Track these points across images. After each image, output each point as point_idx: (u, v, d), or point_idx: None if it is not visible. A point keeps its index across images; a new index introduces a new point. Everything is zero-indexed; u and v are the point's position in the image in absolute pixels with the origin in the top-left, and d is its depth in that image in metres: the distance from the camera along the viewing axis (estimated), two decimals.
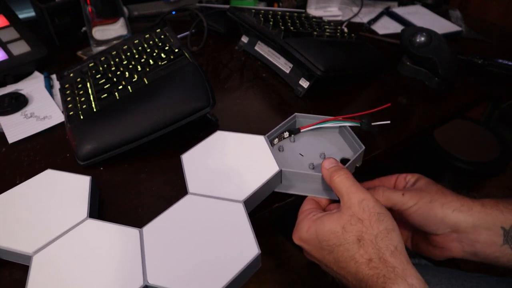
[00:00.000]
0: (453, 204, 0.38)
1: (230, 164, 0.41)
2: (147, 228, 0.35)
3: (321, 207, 0.40)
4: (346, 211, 0.34)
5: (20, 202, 0.38)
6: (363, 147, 0.42)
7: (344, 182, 0.35)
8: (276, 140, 0.45)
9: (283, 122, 0.45)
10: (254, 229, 0.35)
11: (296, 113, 0.47)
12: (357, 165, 0.43)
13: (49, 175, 0.41)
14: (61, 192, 0.39)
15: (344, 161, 0.43)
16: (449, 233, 0.38)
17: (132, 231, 0.35)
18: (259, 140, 0.43)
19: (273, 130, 0.44)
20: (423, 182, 0.42)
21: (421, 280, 0.31)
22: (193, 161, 0.42)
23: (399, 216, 0.43)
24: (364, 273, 0.31)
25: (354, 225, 0.33)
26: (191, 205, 0.37)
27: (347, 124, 0.44)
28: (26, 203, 0.38)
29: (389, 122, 0.46)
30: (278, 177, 0.40)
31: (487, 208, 0.38)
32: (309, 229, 0.36)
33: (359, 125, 0.44)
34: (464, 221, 0.37)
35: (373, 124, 0.45)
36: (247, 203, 0.37)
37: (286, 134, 0.46)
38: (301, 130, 0.46)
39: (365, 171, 0.47)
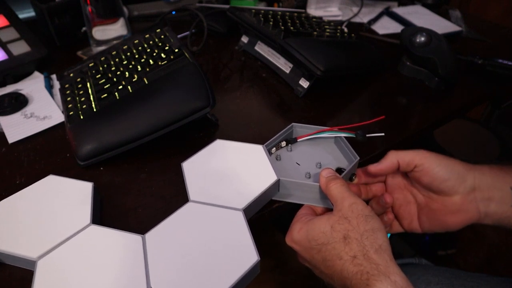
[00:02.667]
0: (467, 164, 0.39)
1: (230, 172, 0.42)
2: (149, 235, 0.36)
3: (316, 214, 0.41)
4: (336, 213, 0.35)
5: (23, 207, 0.38)
6: (358, 158, 0.43)
7: (338, 189, 0.37)
8: (273, 149, 0.46)
9: (280, 132, 0.46)
10: (253, 233, 0.35)
11: (293, 123, 0.48)
12: (353, 173, 0.44)
13: (51, 180, 0.41)
14: (64, 198, 0.39)
15: (339, 170, 0.44)
16: (468, 193, 0.38)
17: (135, 237, 0.36)
18: (258, 149, 0.44)
19: (271, 140, 0.45)
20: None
21: (404, 277, 0.31)
22: (194, 169, 0.43)
23: (410, 186, 0.43)
24: (349, 270, 0.32)
25: (342, 224, 0.34)
26: (192, 212, 0.38)
27: (343, 135, 0.46)
28: (29, 209, 0.38)
29: (383, 134, 0.48)
30: (276, 186, 0.41)
31: (494, 170, 0.39)
32: (301, 230, 0.37)
33: (354, 136, 0.46)
34: (480, 179, 0.38)
35: (368, 135, 0.46)
36: (247, 210, 0.38)
37: (284, 143, 0.47)
38: (298, 140, 0.47)
39: None
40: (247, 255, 0.33)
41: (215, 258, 0.33)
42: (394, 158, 0.40)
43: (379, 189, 0.44)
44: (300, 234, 0.37)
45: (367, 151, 0.49)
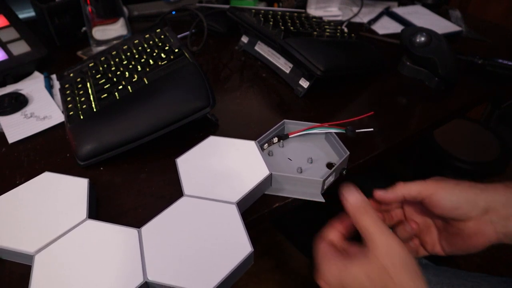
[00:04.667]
0: (478, 185, 0.37)
1: (223, 167, 0.43)
2: (145, 228, 0.36)
3: (343, 236, 0.38)
4: (372, 259, 0.33)
5: (20, 203, 0.39)
6: (348, 152, 0.44)
7: (370, 225, 0.34)
8: (266, 145, 0.47)
9: (272, 128, 0.47)
10: (254, 233, 0.36)
11: (285, 120, 0.49)
12: (344, 167, 0.45)
13: (47, 177, 0.42)
14: (60, 194, 0.40)
15: (330, 165, 0.45)
16: (481, 215, 0.37)
17: (131, 231, 0.36)
18: (250, 145, 0.45)
19: (263, 136, 0.46)
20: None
21: None
22: (188, 164, 0.43)
23: (427, 211, 0.41)
24: None
25: (380, 276, 0.32)
26: (187, 206, 0.38)
27: (333, 130, 0.47)
28: (26, 205, 0.39)
29: (372, 129, 0.49)
30: (268, 180, 0.42)
31: (510, 187, 0.37)
32: (332, 272, 0.34)
33: (344, 131, 0.46)
34: (494, 200, 0.37)
35: (357, 131, 0.47)
36: (240, 204, 0.39)
37: (275, 139, 0.48)
38: (290, 136, 0.48)
39: (366, 170, 0.48)
40: (241, 246, 0.34)
41: (210, 250, 0.34)
42: (400, 191, 0.39)
43: (399, 214, 0.42)
44: (333, 276, 0.34)
45: (368, 151, 0.49)
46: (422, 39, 0.61)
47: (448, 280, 0.50)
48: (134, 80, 0.52)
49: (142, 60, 0.55)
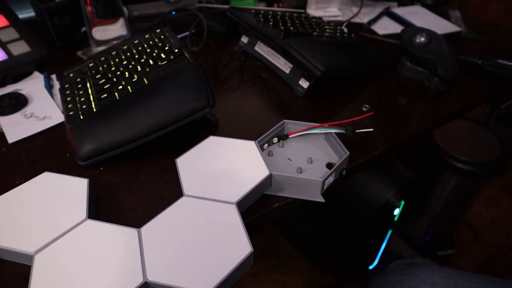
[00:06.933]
0: None
1: (223, 167, 0.43)
2: (145, 228, 0.36)
3: None
4: None
5: (19, 203, 0.39)
6: (348, 153, 0.44)
7: None
8: (265, 145, 0.47)
9: (272, 128, 0.48)
10: (249, 229, 0.36)
11: (284, 120, 0.49)
12: (344, 167, 0.45)
13: (47, 177, 0.42)
14: (60, 194, 0.40)
15: (330, 165, 0.45)
16: None
17: (131, 231, 0.36)
18: (250, 145, 0.45)
19: (263, 136, 0.46)
20: None
21: None
22: (188, 164, 0.43)
23: None
24: None
25: None
26: (186, 206, 0.38)
27: (333, 131, 0.47)
28: (25, 205, 0.39)
29: (372, 130, 0.49)
30: (268, 180, 0.42)
31: None
32: None
33: (344, 132, 0.46)
34: None
35: (357, 131, 0.47)
36: (240, 204, 0.39)
37: (275, 139, 0.48)
38: (289, 136, 0.48)
39: (365, 170, 0.47)
40: (241, 246, 0.34)
41: (209, 250, 0.34)
42: None
43: None
44: None
45: (368, 151, 0.49)
46: (422, 39, 0.61)
47: (454, 282, 0.50)
48: (134, 80, 0.52)
49: (142, 60, 0.55)
